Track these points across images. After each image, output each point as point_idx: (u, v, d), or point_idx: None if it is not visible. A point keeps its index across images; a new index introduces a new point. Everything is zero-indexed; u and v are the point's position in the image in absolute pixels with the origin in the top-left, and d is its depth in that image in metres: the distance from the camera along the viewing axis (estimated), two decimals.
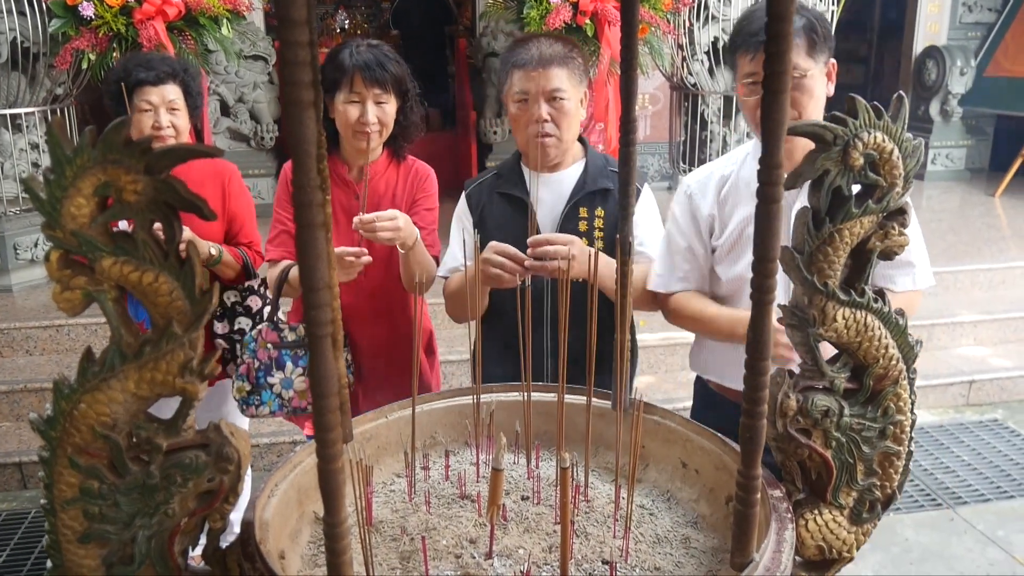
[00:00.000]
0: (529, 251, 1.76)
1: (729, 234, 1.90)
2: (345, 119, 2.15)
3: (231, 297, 2.53)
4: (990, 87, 7.47)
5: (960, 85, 7.53)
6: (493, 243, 1.83)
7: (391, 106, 2.18)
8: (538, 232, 1.94)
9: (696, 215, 1.97)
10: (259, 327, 2.25)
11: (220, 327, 2.53)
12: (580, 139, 2.13)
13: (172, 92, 2.44)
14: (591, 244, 1.97)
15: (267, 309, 2.40)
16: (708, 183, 1.96)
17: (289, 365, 2.18)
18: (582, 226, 2.01)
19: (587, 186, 2.03)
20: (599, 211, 2.01)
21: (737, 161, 1.95)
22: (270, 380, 2.17)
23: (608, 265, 1.71)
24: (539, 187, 2.04)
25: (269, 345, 2.19)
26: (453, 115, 7.47)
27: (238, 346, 2.36)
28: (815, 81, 1.74)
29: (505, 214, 2.09)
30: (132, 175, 0.86)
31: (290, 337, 2.21)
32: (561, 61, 1.94)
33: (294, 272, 2.19)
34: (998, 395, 4.43)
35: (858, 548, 1.21)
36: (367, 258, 2.06)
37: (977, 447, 3.91)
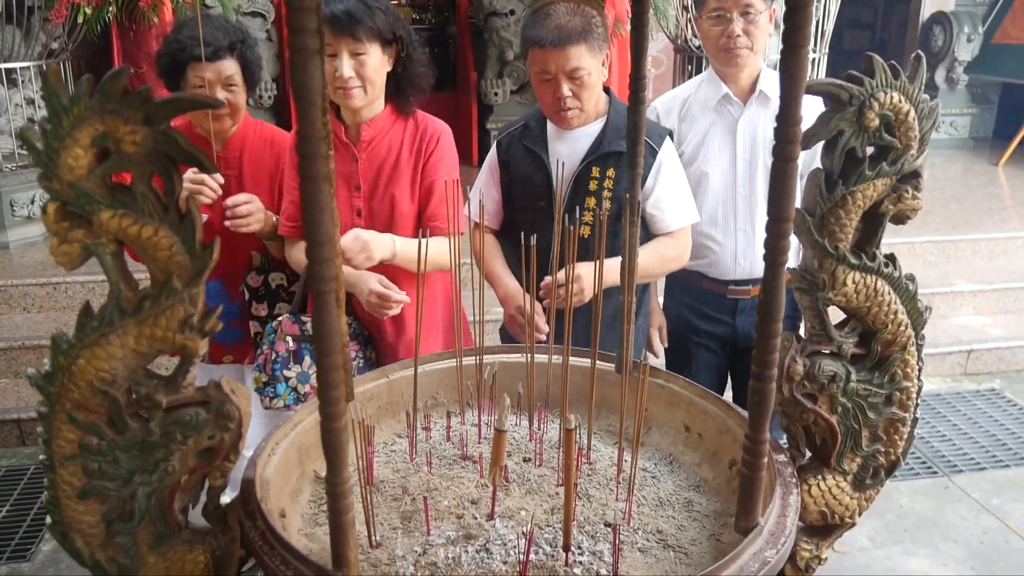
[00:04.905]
0: (541, 292, 1.86)
1: (688, 143, 2.32)
2: (328, 75, 1.97)
3: (276, 279, 2.36)
4: (997, 54, 7.36)
5: (967, 52, 7.42)
6: (519, 308, 2.01)
7: (372, 57, 1.97)
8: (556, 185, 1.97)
9: None
10: (280, 318, 2.16)
11: (259, 309, 2.36)
12: (606, 89, 2.15)
13: (230, 67, 2.20)
14: (599, 204, 2.06)
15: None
16: (672, 105, 2.39)
17: (307, 359, 2.10)
18: (592, 185, 2.07)
19: (602, 147, 2.07)
20: (610, 171, 2.06)
21: (694, 86, 2.38)
22: (286, 373, 2.09)
23: (614, 268, 1.63)
24: (559, 143, 2.12)
25: (288, 338, 2.10)
26: (454, 75, 7.38)
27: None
28: (766, 18, 2.15)
29: (527, 167, 2.14)
30: (131, 125, 0.84)
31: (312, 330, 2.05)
32: (579, 36, 1.94)
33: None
34: (996, 365, 4.43)
35: (860, 514, 1.21)
36: (404, 297, 2.01)
37: (974, 416, 3.92)
